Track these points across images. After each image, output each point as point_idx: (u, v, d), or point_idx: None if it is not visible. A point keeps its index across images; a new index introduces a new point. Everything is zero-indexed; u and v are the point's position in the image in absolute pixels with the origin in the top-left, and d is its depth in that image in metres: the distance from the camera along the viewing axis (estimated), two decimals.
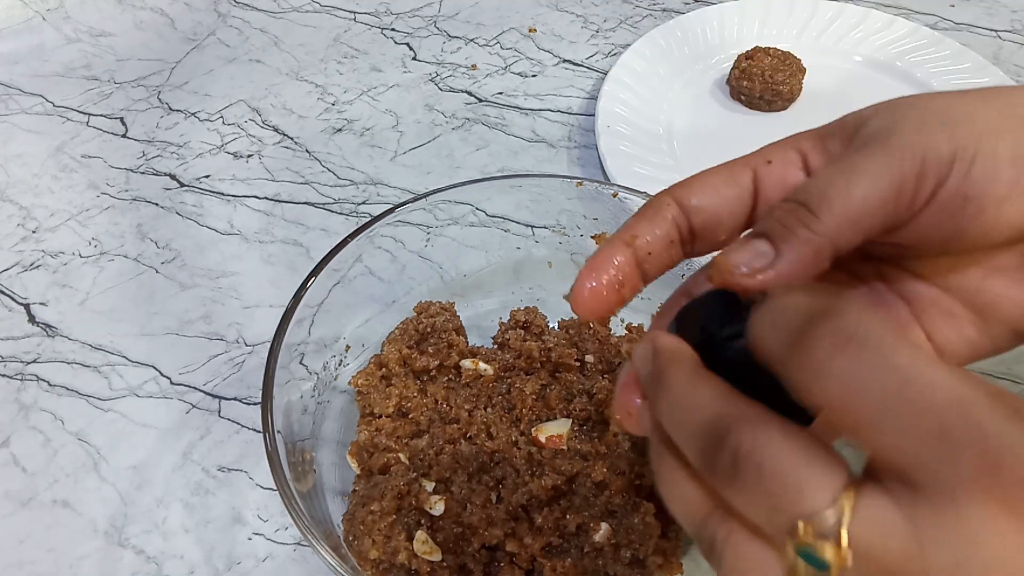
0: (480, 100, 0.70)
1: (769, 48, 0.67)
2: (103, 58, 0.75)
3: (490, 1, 0.81)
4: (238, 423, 0.49)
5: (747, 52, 0.67)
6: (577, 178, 0.46)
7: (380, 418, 0.43)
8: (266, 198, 0.62)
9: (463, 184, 0.46)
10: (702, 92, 0.69)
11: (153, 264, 0.57)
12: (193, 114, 0.69)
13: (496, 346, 0.47)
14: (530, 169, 0.64)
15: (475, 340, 0.48)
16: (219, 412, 0.49)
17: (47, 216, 0.61)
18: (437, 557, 0.37)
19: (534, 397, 0.43)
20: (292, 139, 0.67)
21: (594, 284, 0.24)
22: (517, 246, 0.50)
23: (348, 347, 0.46)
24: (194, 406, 0.49)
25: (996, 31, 0.77)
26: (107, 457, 0.47)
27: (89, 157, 0.65)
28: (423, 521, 0.39)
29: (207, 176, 0.64)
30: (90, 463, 0.47)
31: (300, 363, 0.41)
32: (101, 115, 0.69)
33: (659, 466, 0.22)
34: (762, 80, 0.65)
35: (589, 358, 0.45)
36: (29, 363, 0.52)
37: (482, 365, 0.45)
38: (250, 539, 0.44)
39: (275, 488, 0.35)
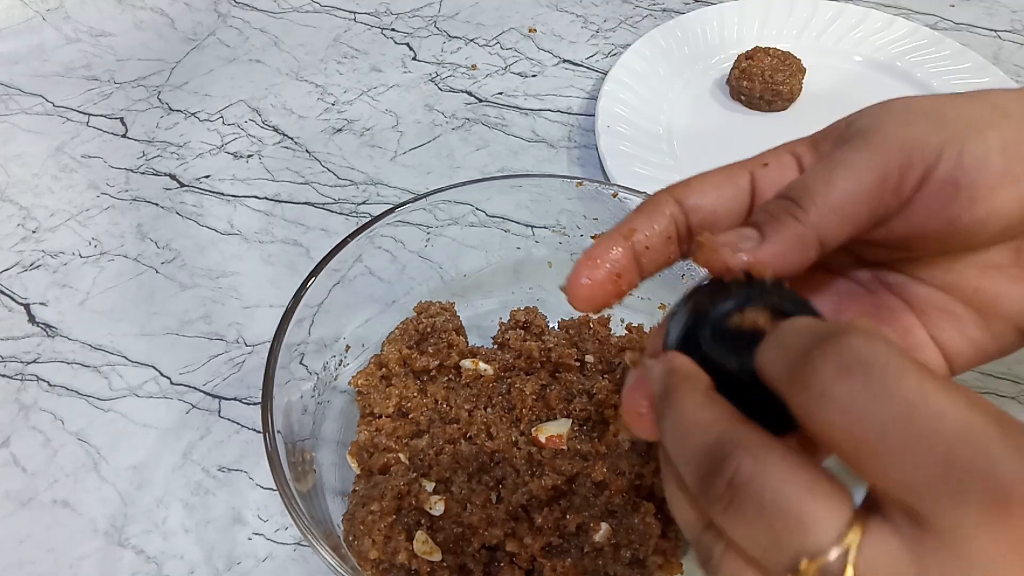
0: (480, 100, 0.70)
1: (769, 48, 0.67)
2: (103, 58, 0.75)
3: (490, 1, 0.81)
4: (238, 423, 0.49)
5: (747, 52, 0.67)
6: (577, 178, 0.46)
7: (380, 418, 0.43)
8: (266, 198, 0.62)
9: (463, 184, 0.46)
10: (702, 92, 0.69)
11: (153, 264, 0.57)
12: (193, 114, 0.69)
13: (496, 346, 0.47)
14: (530, 169, 0.64)
15: (475, 340, 0.48)
16: (219, 412, 0.49)
17: (47, 216, 0.61)
18: (437, 557, 0.37)
19: (534, 397, 0.43)
20: (292, 139, 0.67)
21: (591, 275, 0.24)
22: (517, 246, 0.50)
23: (348, 347, 0.46)
24: (194, 406, 0.49)
25: (996, 31, 0.77)
26: (107, 457, 0.47)
27: (89, 157, 0.65)
28: (423, 521, 0.39)
29: (207, 176, 0.64)
30: (90, 463, 0.47)
31: (300, 363, 0.41)
32: (101, 115, 0.69)
33: (664, 470, 0.22)
34: (762, 80, 0.65)
35: (589, 358, 0.45)
36: (29, 363, 0.52)
37: (482, 365, 0.45)
38: (250, 539, 0.44)
39: (275, 488, 0.35)
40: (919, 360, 0.17)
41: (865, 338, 0.17)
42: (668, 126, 0.66)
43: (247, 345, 0.52)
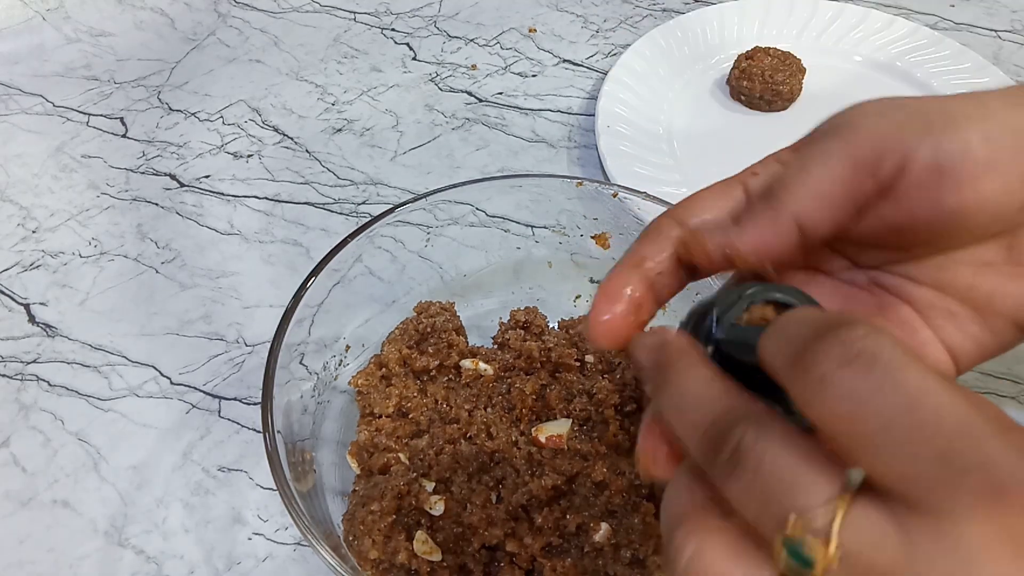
0: (480, 100, 0.70)
1: (769, 48, 0.67)
2: (103, 58, 0.75)
3: (490, 1, 0.81)
4: (238, 423, 0.49)
5: (747, 52, 0.67)
6: (577, 178, 0.46)
7: (380, 418, 0.43)
8: (266, 198, 0.62)
9: (463, 184, 0.46)
10: (702, 92, 0.69)
11: (153, 264, 0.57)
12: (193, 114, 0.69)
13: (496, 346, 0.47)
14: (530, 169, 0.64)
15: (475, 340, 0.48)
16: (219, 412, 0.49)
17: (47, 216, 0.61)
18: (437, 557, 0.37)
19: (534, 397, 0.43)
20: (292, 139, 0.67)
21: (610, 313, 0.24)
22: (517, 246, 0.50)
23: (348, 347, 0.46)
24: (194, 406, 0.49)
25: (996, 31, 0.77)
26: (107, 457, 0.47)
27: (89, 157, 0.65)
28: (423, 521, 0.39)
29: (207, 176, 0.64)
30: (90, 463, 0.47)
31: (300, 363, 0.41)
32: (101, 115, 0.69)
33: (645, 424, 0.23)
34: (762, 80, 0.65)
35: (589, 358, 0.45)
36: (29, 363, 0.52)
37: (482, 365, 0.45)
38: (250, 539, 0.44)
39: (275, 488, 0.35)
40: (924, 357, 0.17)
41: (869, 330, 0.17)
42: (668, 126, 0.66)
43: (247, 345, 0.52)
